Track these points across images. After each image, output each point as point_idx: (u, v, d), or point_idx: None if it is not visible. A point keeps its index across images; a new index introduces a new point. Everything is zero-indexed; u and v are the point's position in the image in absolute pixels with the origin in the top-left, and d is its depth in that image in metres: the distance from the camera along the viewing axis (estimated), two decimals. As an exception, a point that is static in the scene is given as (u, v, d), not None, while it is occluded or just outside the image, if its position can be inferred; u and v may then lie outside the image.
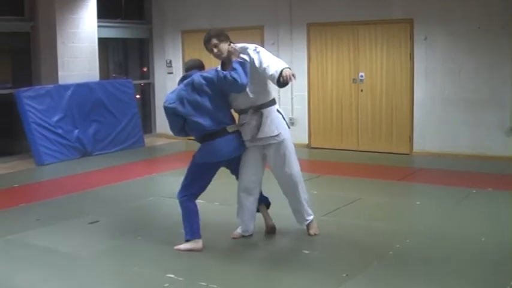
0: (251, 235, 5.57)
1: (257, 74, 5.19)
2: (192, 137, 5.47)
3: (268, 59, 5.20)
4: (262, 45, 10.91)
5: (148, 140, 11.68)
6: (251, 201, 5.51)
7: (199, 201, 5.40)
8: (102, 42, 11.13)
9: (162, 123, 12.29)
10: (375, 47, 9.94)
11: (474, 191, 7.22)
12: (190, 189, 5.33)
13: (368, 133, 10.14)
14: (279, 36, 10.83)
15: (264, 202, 5.67)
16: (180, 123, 5.32)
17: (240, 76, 5.11)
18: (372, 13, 9.88)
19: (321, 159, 9.76)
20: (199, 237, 5.31)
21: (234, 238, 5.59)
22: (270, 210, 5.70)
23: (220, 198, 6.70)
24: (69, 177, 8.71)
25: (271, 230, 5.64)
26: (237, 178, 5.57)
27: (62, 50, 10.15)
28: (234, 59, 5.23)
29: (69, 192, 7.65)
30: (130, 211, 6.75)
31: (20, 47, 10.54)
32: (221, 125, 5.26)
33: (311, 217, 5.60)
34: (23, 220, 6.36)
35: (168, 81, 12.17)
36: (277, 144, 5.34)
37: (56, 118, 9.77)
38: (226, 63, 5.34)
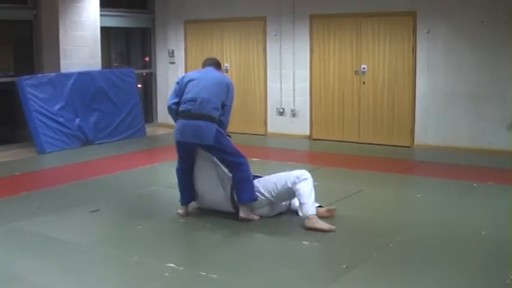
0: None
1: None
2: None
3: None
4: (265, 37, 10.96)
5: (149, 129, 11.68)
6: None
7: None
8: (105, 31, 11.11)
9: (163, 112, 12.32)
10: (378, 39, 9.92)
11: (475, 185, 7.23)
12: (178, 162, 6.01)
13: (369, 125, 10.14)
14: (281, 28, 10.80)
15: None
16: None
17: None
18: (375, 5, 9.85)
19: (322, 151, 9.76)
20: (182, 203, 5.99)
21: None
22: None
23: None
24: (70, 165, 8.72)
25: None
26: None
27: (64, 39, 10.13)
28: None
29: (71, 181, 7.65)
30: (131, 200, 6.76)
31: (22, 35, 10.52)
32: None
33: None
34: (24, 208, 6.37)
35: (170, 71, 12.17)
36: None
37: (57, 107, 9.76)
38: None
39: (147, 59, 12.60)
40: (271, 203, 5.83)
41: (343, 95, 10.34)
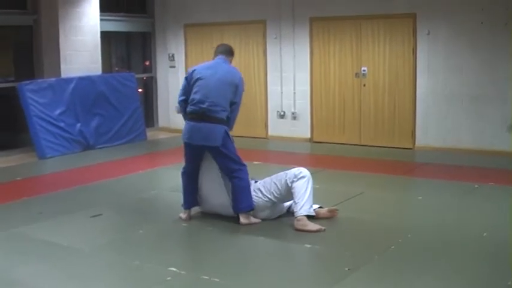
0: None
1: None
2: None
3: None
4: (265, 40, 10.96)
5: (150, 133, 11.68)
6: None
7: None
8: (105, 35, 11.11)
9: (164, 117, 12.32)
10: (378, 41, 9.92)
11: (476, 186, 7.22)
12: (184, 164, 6.00)
13: (370, 127, 10.14)
14: (281, 31, 10.81)
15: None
16: None
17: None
18: (375, 7, 9.86)
19: (323, 154, 9.75)
20: (184, 207, 5.96)
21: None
22: None
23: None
24: (71, 170, 8.72)
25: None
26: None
27: (64, 44, 10.14)
28: None
29: (72, 185, 7.65)
30: (132, 204, 6.75)
31: (23, 41, 10.54)
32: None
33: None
34: (25, 213, 6.37)
35: (170, 75, 12.17)
36: None
37: (58, 111, 9.77)
38: None
39: (147, 63, 12.61)
40: (272, 205, 5.82)
41: (343, 98, 10.34)
